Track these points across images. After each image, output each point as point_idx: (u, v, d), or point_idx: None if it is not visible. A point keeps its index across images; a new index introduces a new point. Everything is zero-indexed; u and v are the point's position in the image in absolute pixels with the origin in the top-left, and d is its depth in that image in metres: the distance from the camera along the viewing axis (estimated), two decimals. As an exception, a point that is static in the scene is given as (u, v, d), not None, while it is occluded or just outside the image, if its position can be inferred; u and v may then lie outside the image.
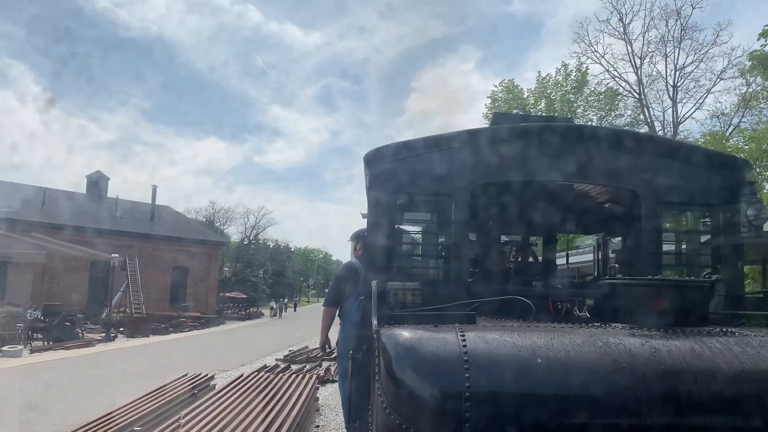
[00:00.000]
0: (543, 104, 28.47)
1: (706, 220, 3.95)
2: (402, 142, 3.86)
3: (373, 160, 3.79)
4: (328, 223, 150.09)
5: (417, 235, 5.74)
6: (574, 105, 28.28)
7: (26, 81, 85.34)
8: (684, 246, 4.42)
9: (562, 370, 2.18)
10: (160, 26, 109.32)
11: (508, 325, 2.70)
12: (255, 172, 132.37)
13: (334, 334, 5.68)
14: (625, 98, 28.54)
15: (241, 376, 9.98)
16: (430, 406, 2.18)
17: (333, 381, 11.40)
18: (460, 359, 2.19)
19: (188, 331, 28.29)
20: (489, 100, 30.06)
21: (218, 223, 63.19)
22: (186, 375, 10.24)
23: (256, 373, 10.52)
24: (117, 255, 26.48)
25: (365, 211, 4.22)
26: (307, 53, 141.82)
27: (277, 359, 15.24)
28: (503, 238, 5.77)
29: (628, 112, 28.69)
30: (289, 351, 16.81)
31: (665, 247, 4.02)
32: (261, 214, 66.55)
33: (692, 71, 26.85)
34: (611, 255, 5.45)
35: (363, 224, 4.53)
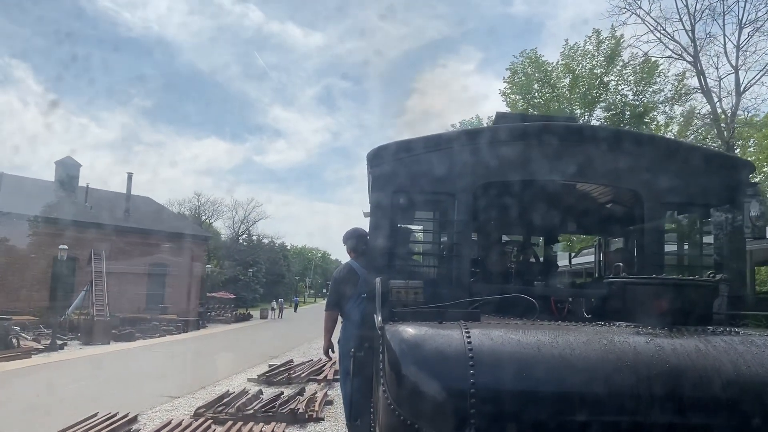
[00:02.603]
0: (568, 80, 24.73)
1: (709, 220, 3.97)
2: (404, 141, 3.84)
3: (375, 158, 3.78)
4: (329, 223, 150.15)
5: (419, 234, 5.72)
6: (605, 79, 24.22)
7: (28, 81, 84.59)
8: (686, 246, 4.43)
9: (567, 367, 2.18)
10: (161, 26, 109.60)
11: (513, 323, 2.70)
12: (255, 172, 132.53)
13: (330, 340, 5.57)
14: (667, 70, 24.10)
15: (169, 423, 7.60)
16: (434, 403, 2.17)
17: (318, 419, 8.19)
18: (465, 356, 2.18)
19: (160, 336, 24.70)
20: (508, 73, 26.17)
21: (205, 217, 59.01)
22: (96, 416, 7.63)
23: (192, 420, 7.88)
24: (65, 246, 23.16)
25: (367, 210, 4.22)
26: (307, 54, 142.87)
27: (249, 379, 12.04)
28: (504, 238, 5.78)
29: (668, 87, 24.28)
30: (270, 366, 13.60)
31: (668, 248, 4.03)
32: (250, 207, 62.52)
33: (761, 26, 21.89)
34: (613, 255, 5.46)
35: (365, 224, 4.53)
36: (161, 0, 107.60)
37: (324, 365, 12.95)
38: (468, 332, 2.28)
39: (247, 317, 42.32)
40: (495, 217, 4.81)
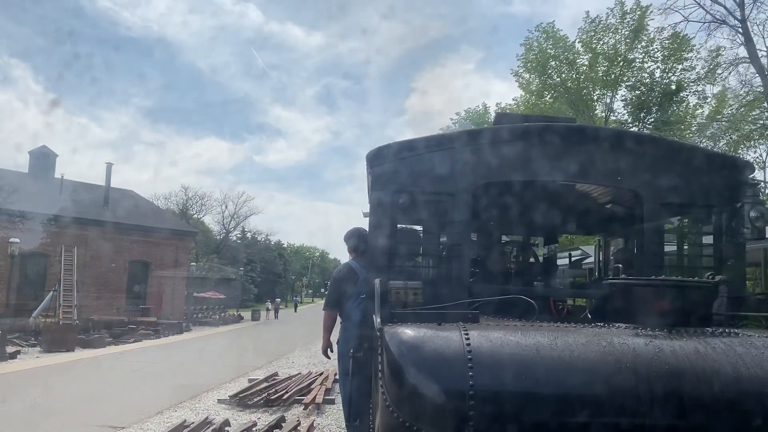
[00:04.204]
0: (588, 58, 22.54)
1: (709, 221, 3.99)
2: (404, 141, 3.87)
3: (375, 159, 3.79)
4: (329, 223, 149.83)
5: (419, 235, 5.74)
6: (629, 56, 22.04)
7: (27, 81, 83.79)
8: (686, 247, 4.45)
9: (566, 369, 2.18)
10: (161, 26, 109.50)
11: (512, 324, 2.70)
12: (255, 172, 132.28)
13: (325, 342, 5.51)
14: (704, 41, 22.78)
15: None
16: (433, 404, 2.17)
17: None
18: (464, 357, 2.19)
19: (134, 341, 22.08)
20: (522, 50, 23.57)
21: (193, 212, 56.04)
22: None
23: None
24: (17, 240, 20.97)
25: (366, 210, 4.22)
26: (308, 53, 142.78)
27: (219, 401, 9.79)
28: (504, 238, 5.80)
29: (701, 63, 21.93)
30: (249, 381, 11.45)
31: (667, 248, 4.05)
32: (241, 201, 59.57)
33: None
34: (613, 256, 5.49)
35: (364, 224, 4.52)
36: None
37: (314, 381, 11.22)
38: (467, 334, 2.29)
39: (237, 319, 39.75)
40: (495, 217, 4.82)
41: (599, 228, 5.72)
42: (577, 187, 4.74)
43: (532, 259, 5.40)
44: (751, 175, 3.81)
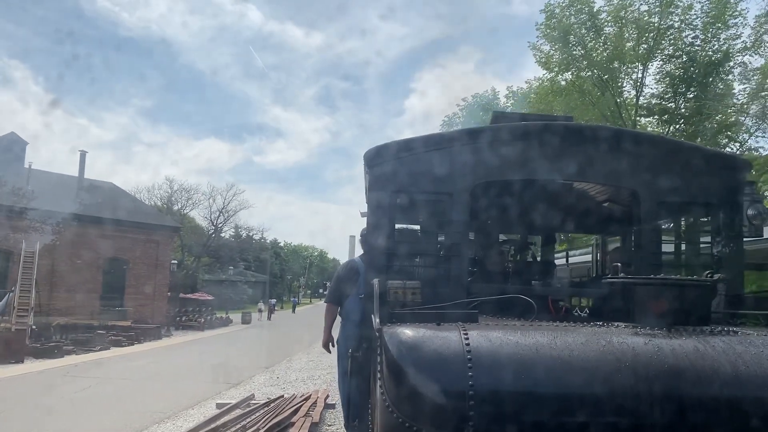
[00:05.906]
0: (614, 29, 20.31)
1: (707, 219, 4.02)
2: (402, 141, 3.87)
3: (373, 159, 3.79)
4: (329, 223, 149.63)
5: (417, 234, 5.75)
6: (665, 22, 19.54)
7: (26, 81, 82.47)
8: (684, 246, 4.48)
9: (566, 368, 2.18)
10: (160, 26, 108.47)
11: (511, 324, 2.70)
12: (255, 173, 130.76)
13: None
14: (742, 13, 19.08)
15: None
16: (433, 404, 2.17)
17: None
18: (463, 357, 2.18)
19: (101, 350, 19.34)
20: (543, 17, 20.84)
21: (179, 206, 51.13)
22: None
23: None
24: None
25: (364, 210, 4.22)
26: (307, 54, 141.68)
27: None
28: (502, 237, 5.82)
29: (747, 30, 19.39)
30: (217, 406, 9.12)
31: (665, 247, 4.07)
32: (230, 195, 53.58)
33: None
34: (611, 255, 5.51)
35: (362, 223, 4.51)
36: (160, 0, 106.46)
37: (298, 409, 8.23)
38: (466, 334, 2.29)
39: (226, 322, 36.91)
40: (493, 217, 4.83)
41: (598, 227, 5.74)
42: (575, 187, 4.75)
43: (529, 258, 5.42)
44: (748, 174, 3.84)
